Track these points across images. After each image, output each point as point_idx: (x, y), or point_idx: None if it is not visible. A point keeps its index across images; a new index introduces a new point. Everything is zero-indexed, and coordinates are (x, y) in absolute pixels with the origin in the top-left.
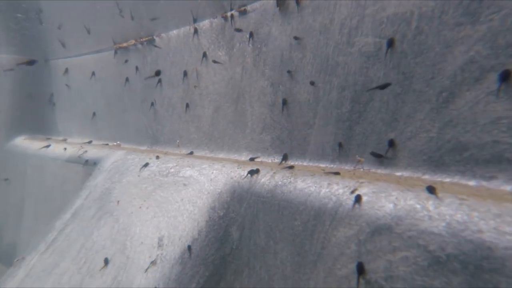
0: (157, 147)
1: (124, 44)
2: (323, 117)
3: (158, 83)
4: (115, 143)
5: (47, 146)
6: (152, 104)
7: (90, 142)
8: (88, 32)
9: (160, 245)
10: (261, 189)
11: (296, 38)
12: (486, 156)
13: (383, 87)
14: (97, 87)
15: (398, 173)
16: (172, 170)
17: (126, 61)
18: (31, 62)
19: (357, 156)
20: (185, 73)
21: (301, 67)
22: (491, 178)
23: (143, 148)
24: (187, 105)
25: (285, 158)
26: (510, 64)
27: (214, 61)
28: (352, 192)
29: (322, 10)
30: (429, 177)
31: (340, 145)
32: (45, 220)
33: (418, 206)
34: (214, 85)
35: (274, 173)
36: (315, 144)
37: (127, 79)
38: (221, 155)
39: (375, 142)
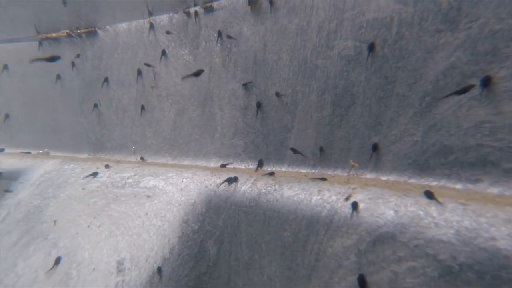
0: (103, 155)
1: (54, 35)
2: (303, 121)
3: (104, 82)
4: (41, 151)
5: None
6: (96, 105)
7: (1, 150)
8: None
9: (120, 270)
10: (243, 198)
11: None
12: (471, 159)
13: (463, 91)
14: (11, 84)
15: (384, 177)
16: (129, 180)
17: (78, 55)
18: (52, 59)
19: (351, 161)
20: (139, 72)
21: (276, 69)
22: (477, 181)
23: (83, 156)
24: (143, 108)
25: (260, 164)
26: (490, 70)
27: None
28: (347, 199)
29: (298, 12)
30: (415, 181)
31: (321, 149)
32: None
33: (421, 212)
34: (176, 86)
35: (255, 180)
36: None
37: (58, 76)
38: (186, 162)
39: (358, 146)
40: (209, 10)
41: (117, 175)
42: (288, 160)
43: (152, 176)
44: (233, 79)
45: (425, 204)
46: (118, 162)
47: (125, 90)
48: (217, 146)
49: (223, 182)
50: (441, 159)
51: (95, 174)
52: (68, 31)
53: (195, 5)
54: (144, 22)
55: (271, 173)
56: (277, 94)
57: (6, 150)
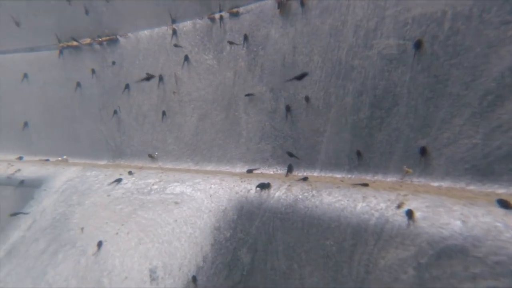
0: (122, 161)
1: (75, 43)
2: (336, 124)
3: (125, 89)
4: (59, 158)
5: None
6: (115, 112)
7: (20, 158)
8: (18, 25)
9: (153, 279)
10: (277, 205)
11: (231, 43)
12: None
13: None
14: (30, 92)
15: (435, 183)
16: (155, 186)
17: (114, 63)
18: (149, 78)
19: (404, 166)
20: (160, 78)
21: (307, 72)
22: None
23: (102, 162)
24: (164, 113)
25: (290, 169)
26: None
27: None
28: (399, 206)
29: (332, 12)
30: (475, 188)
31: (358, 153)
32: None
33: (498, 224)
34: (198, 91)
35: (289, 186)
36: (327, 153)
37: (78, 84)
38: (209, 168)
39: (402, 150)
40: (235, 14)
41: (141, 182)
42: (321, 165)
43: (178, 182)
44: (259, 82)
45: (502, 215)
46: (140, 168)
47: (146, 96)
48: (242, 151)
49: (255, 188)
50: (509, 164)
51: (119, 180)
52: (90, 39)
53: (221, 10)
54: (167, 29)
55: (305, 178)
56: (307, 99)
57: (25, 158)
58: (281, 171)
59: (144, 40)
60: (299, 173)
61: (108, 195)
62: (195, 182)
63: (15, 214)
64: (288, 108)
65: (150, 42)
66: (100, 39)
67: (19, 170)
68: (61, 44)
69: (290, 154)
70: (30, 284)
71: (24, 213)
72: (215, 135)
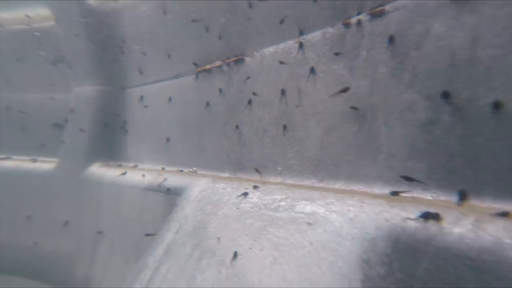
0: (242, 174)
1: (208, 67)
2: None
3: (248, 104)
4: (190, 169)
5: (124, 174)
6: (237, 126)
7: (163, 168)
8: (169, 57)
9: None
10: (460, 245)
11: (281, 62)
12: None
13: None
14: (172, 112)
15: None
16: (282, 203)
17: (248, 78)
18: (345, 90)
19: None
20: (283, 92)
21: (499, 68)
22: None
23: (225, 175)
24: (285, 127)
25: (463, 196)
26: None
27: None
28: None
29: None
30: None
31: None
32: (121, 253)
33: None
34: (324, 103)
35: (476, 220)
36: None
37: (207, 103)
38: (337, 186)
39: None
40: (377, 15)
41: (267, 197)
42: None
43: (307, 200)
44: (408, 89)
45: None
46: (264, 183)
47: (267, 110)
48: (381, 168)
49: (417, 218)
50: None
51: (245, 194)
52: (221, 62)
53: (359, 13)
54: (293, 42)
55: (504, 214)
56: (496, 105)
57: (166, 168)
58: (445, 197)
59: (268, 57)
60: (481, 204)
61: (237, 208)
62: (328, 202)
63: (148, 235)
64: (455, 111)
65: (274, 58)
66: (228, 60)
67: (166, 179)
68: (198, 69)
69: (407, 178)
70: (185, 284)
71: (154, 235)
72: (345, 150)
